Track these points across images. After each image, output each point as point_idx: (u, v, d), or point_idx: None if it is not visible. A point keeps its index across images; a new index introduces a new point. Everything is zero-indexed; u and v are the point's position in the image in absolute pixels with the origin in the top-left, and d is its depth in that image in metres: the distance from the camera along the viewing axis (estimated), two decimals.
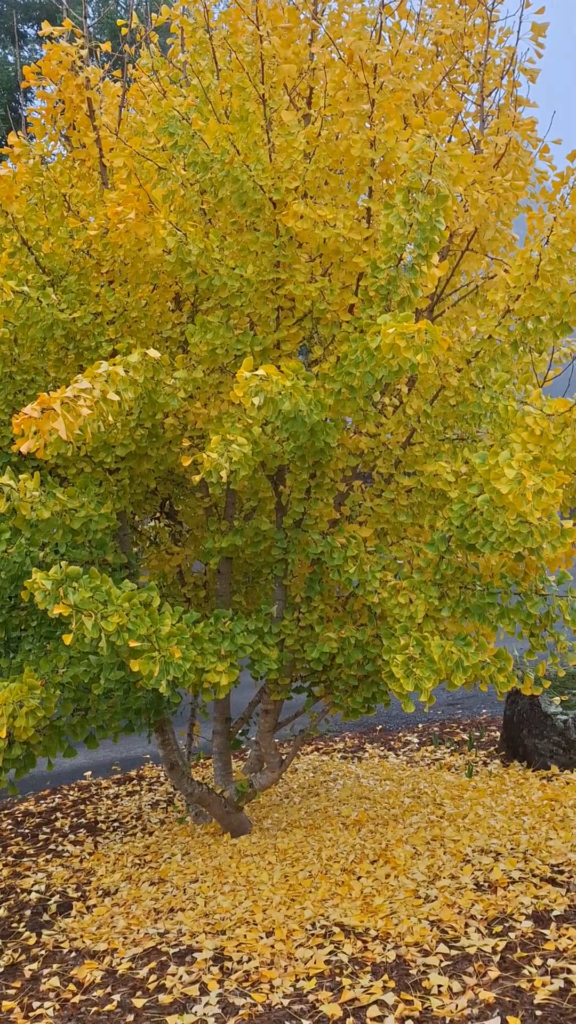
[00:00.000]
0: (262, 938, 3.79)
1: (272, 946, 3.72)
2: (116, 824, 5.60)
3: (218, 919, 4.00)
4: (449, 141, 3.68)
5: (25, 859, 5.10)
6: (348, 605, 4.70)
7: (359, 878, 4.27)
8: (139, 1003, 3.39)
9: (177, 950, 3.77)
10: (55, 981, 3.62)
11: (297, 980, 3.46)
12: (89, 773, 7.02)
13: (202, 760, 6.77)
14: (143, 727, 4.66)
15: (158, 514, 5.89)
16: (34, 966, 3.79)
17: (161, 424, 4.33)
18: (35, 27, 16.80)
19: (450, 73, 4.31)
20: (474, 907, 3.87)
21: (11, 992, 3.60)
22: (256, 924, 3.91)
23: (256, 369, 3.72)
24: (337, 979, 3.43)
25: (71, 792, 6.44)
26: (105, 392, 3.48)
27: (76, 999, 3.49)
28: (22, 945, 4.01)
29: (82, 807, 6.03)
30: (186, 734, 5.65)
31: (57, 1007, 3.45)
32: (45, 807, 6.10)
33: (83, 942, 3.97)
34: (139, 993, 3.48)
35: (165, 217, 3.75)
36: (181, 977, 3.55)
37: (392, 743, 7.03)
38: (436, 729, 7.36)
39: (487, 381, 4.18)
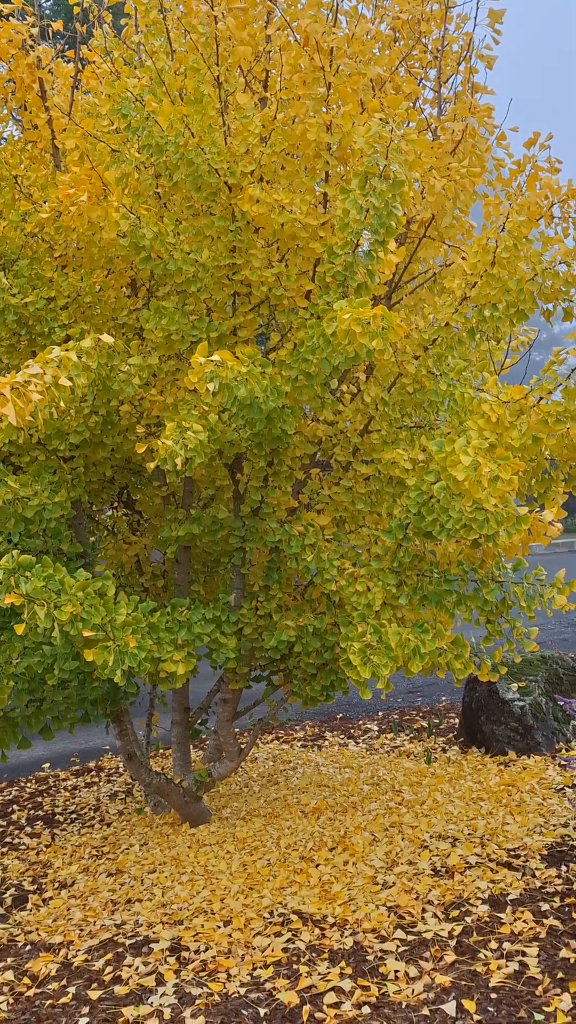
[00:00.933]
0: (220, 927, 3.77)
1: (230, 935, 3.70)
2: (74, 816, 5.55)
3: (176, 909, 3.98)
4: (407, 127, 3.66)
5: None
6: (307, 593, 4.68)
7: (317, 865, 4.27)
8: (95, 995, 3.36)
9: (134, 941, 3.75)
10: (9, 975, 3.58)
11: (254, 968, 3.45)
12: (47, 765, 6.95)
13: (161, 750, 6.73)
14: (100, 718, 4.61)
15: (116, 503, 5.84)
16: None
17: (116, 411, 4.27)
18: None
19: (407, 59, 4.28)
20: (431, 892, 3.89)
21: None
22: (214, 913, 3.90)
23: (211, 355, 3.68)
24: (295, 967, 3.43)
25: (28, 784, 6.37)
26: (57, 377, 3.42)
27: (30, 992, 3.45)
28: None
29: (39, 799, 5.96)
30: (145, 724, 5.61)
31: (11, 1001, 3.40)
32: (1, 800, 6.03)
33: (39, 935, 3.93)
34: (95, 985, 3.45)
35: (118, 200, 3.68)
36: (137, 968, 3.52)
37: (352, 731, 7.05)
38: (396, 717, 7.40)
39: (444, 369, 4.18)
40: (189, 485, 4.84)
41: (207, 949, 3.62)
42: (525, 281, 4.06)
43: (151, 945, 3.68)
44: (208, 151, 3.81)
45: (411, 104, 4.41)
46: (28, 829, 5.36)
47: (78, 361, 3.62)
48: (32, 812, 5.69)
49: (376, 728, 7.06)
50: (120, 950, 3.69)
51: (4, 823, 5.52)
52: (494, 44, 4.49)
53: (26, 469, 4.31)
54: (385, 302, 4.79)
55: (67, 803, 5.82)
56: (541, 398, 3.92)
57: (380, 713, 7.67)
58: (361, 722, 7.35)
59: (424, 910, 3.76)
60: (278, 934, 3.68)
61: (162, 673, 4.07)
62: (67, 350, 3.63)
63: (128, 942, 3.74)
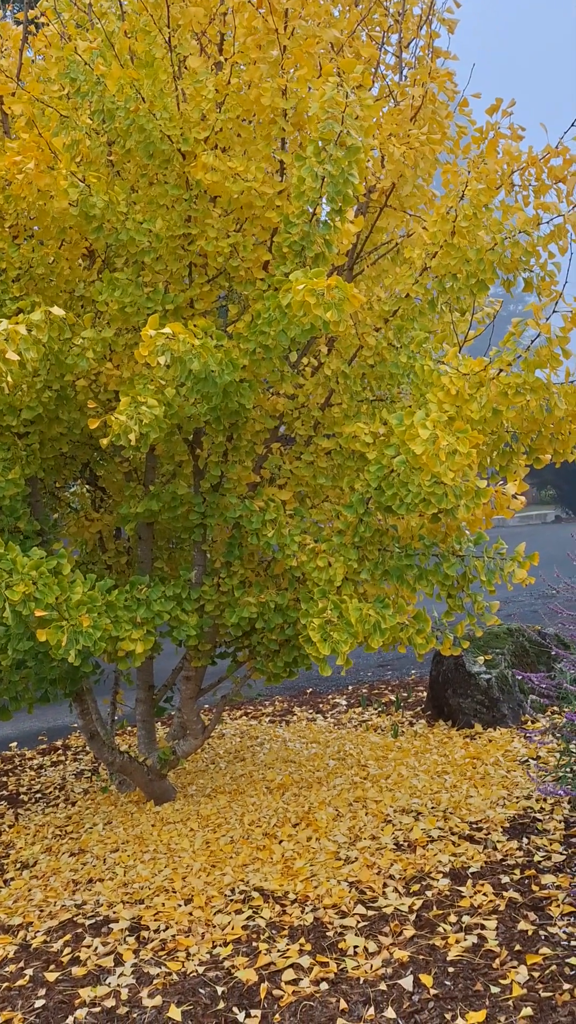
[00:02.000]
0: (180, 906, 3.75)
1: (191, 913, 3.68)
2: (39, 795, 5.51)
3: (137, 888, 3.95)
4: (368, 93, 3.56)
5: None
6: (269, 569, 4.64)
7: (281, 842, 4.26)
8: (51, 977, 3.33)
9: (93, 921, 3.72)
10: None
11: (214, 947, 3.43)
12: (15, 744, 6.90)
13: (128, 728, 6.69)
14: (60, 698, 4.56)
15: (79, 479, 5.75)
16: None
17: (72, 386, 4.18)
18: None
19: (367, 22, 4.18)
20: (393, 867, 3.89)
21: None
22: (175, 892, 3.88)
23: (164, 328, 3.60)
24: (254, 944, 3.41)
25: None
26: (3, 352, 3.32)
27: None
28: None
29: (4, 779, 5.91)
30: (109, 702, 5.56)
31: None
32: None
33: None
34: (52, 967, 3.42)
35: (67, 168, 3.57)
36: (96, 949, 3.50)
37: (321, 706, 7.04)
38: (365, 691, 7.40)
39: (405, 341, 4.11)
40: (151, 461, 4.77)
41: (167, 928, 3.60)
42: (485, 251, 3.99)
43: (111, 925, 3.66)
44: (160, 117, 3.70)
45: (372, 70, 4.31)
46: None
47: (28, 335, 3.52)
48: None
49: (344, 702, 7.06)
50: (79, 931, 3.66)
51: None
52: (456, 7, 4.40)
53: None
54: (347, 273, 4.71)
55: (32, 782, 5.77)
56: (501, 370, 3.87)
57: (350, 687, 7.68)
58: (331, 696, 7.35)
59: (385, 885, 3.76)
60: (239, 911, 3.66)
61: (120, 652, 4.02)
62: (16, 323, 3.53)
63: (88, 922, 3.72)
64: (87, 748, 6.52)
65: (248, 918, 3.61)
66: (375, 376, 4.29)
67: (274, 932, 3.49)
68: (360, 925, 3.47)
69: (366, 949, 3.31)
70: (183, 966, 3.32)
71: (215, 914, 3.66)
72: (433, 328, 4.22)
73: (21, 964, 3.47)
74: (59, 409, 4.24)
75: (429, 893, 3.64)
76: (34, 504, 4.53)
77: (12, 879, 4.29)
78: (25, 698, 4.25)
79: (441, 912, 3.49)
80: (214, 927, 3.57)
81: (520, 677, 4.82)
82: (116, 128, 3.72)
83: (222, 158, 3.75)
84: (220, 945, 3.44)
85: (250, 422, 4.31)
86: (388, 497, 3.83)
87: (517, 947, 3.19)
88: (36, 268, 4.09)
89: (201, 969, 3.28)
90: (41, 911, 3.89)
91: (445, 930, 3.36)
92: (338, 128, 3.45)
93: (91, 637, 3.59)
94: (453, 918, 3.44)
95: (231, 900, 3.76)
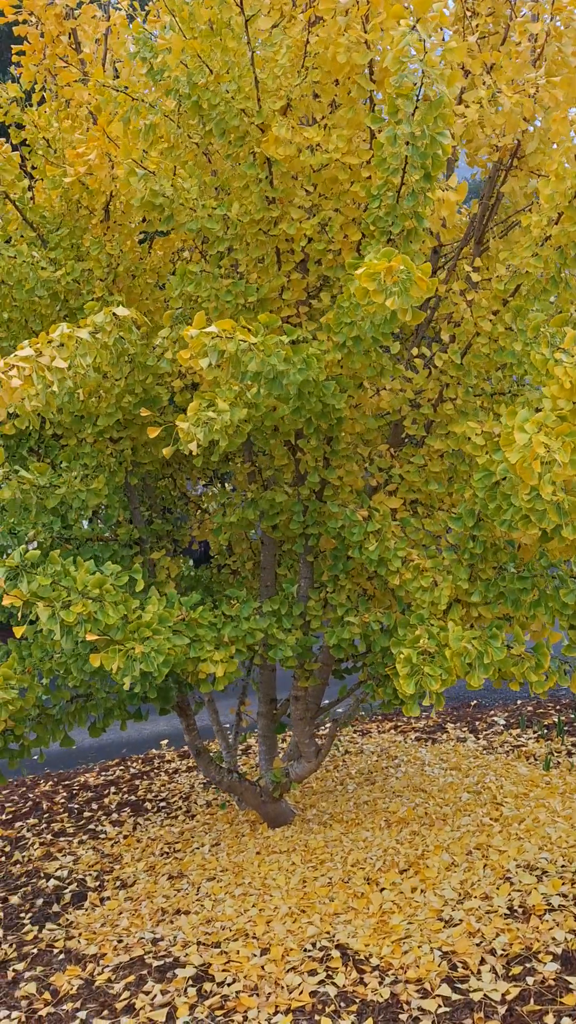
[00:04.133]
0: (255, 956, 3.43)
1: (262, 967, 3.36)
2: (162, 804, 5.39)
3: (218, 928, 3.68)
4: (460, 37, 3.00)
5: (62, 839, 4.97)
6: (379, 585, 4.19)
7: (382, 890, 3.83)
8: None
9: (162, 963, 3.48)
10: (32, 987, 3.42)
11: (275, 1013, 3.08)
12: (165, 742, 6.87)
13: (248, 741, 6.45)
14: (164, 712, 4.37)
15: (212, 480, 5.54)
16: (20, 966, 3.60)
17: (157, 387, 3.93)
18: None
19: None
20: (498, 938, 3.35)
21: None
22: (254, 938, 3.57)
23: (246, 323, 3.24)
24: (316, 1017, 3.03)
25: (135, 764, 6.30)
26: (52, 359, 3.11)
27: (44, 1011, 3.27)
28: (20, 939, 3.85)
29: (137, 782, 5.86)
30: (235, 712, 5.33)
31: (22, 1019, 3.24)
32: (103, 780, 5.98)
33: (78, 942, 3.76)
34: (106, 1012, 3.21)
35: (124, 155, 3.30)
36: (154, 998, 3.26)
37: (477, 723, 6.45)
38: (530, 709, 6.71)
39: (522, 325, 3.51)
40: (254, 465, 4.44)
41: (233, 982, 3.29)
42: None
43: (177, 971, 3.40)
44: (229, 90, 3.34)
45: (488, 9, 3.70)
46: (115, 816, 5.26)
47: (89, 339, 3.29)
48: (125, 796, 5.59)
49: (503, 722, 6.42)
50: (145, 972, 3.44)
51: (95, 807, 5.45)
52: None
53: (58, 456, 4.07)
54: (475, 247, 4.13)
55: (161, 789, 5.67)
56: None
57: (519, 702, 7.01)
58: (492, 712, 6.73)
59: (483, 961, 3.24)
60: (313, 972, 3.29)
61: (201, 674, 3.73)
62: (79, 328, 3.32)
63: (156, 963, 3.49)
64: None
65: (320, 982, 3.23)
66: (492, 366, 3.70)
67: (342, 1006, 3.08)
68: (440, 1011, 2.99)
69: None
70: None
71: (287, 971, 3.31)
72: (550, 309, 3.57)
73: (78, 1004, 3.29)
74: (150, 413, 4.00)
75: (530, 980, 3.09)
76: (133, 511, 4.35)
77: (108, 898, 4.16)
78: (115, 715, 4.08)
79: (538, 1008, 2.93)
80: (282, 988, 3.22)
81: None
82: (184, 107, 3.40)
83: (297, 129, 3.33)
84: (282, 1012, 3.08)
85: (347, 422, 3.87)
86: (492, 510, 3.27)
87: None
88: (118, 265, 3.87)
89: None
90: (119, 942, 3.71)
91: None
92: (415, 80, 2.92)
93: (152, 662, 3.32)
94: (551, 1020, 2.87)
95: (309, 956, 3.39)
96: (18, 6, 3.90)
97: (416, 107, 2.96)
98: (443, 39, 3.96)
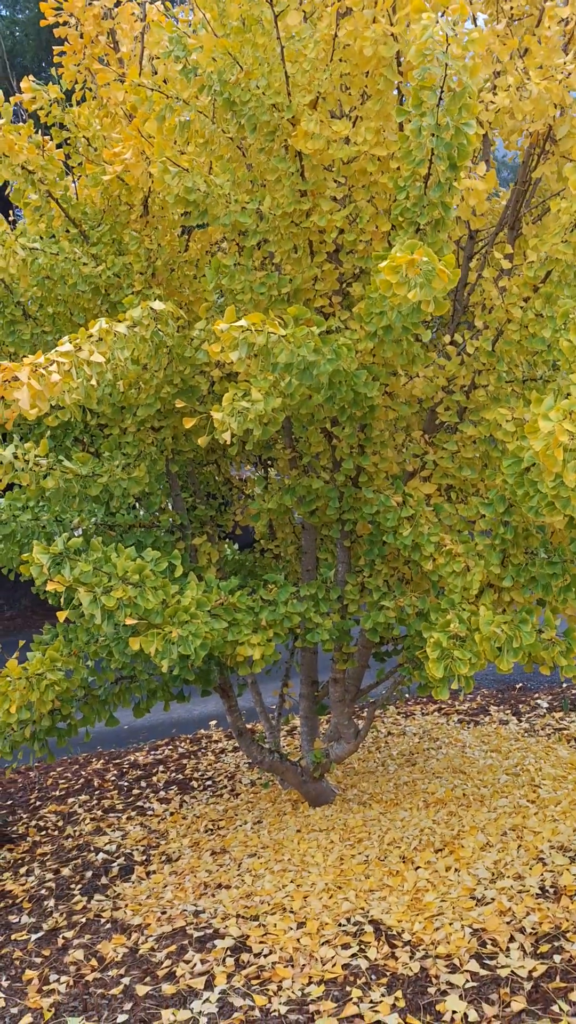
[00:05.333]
0: (291, 929, 3.55)
1: (298, 940, 3.48)
2: (208, 783, 5.54)
3: (256, 902, 3.80)
4: (484, 26, 3.03)
5: (111, 815, 5.15)
6: (414, 569, 4.25)
7: (417, 868, 3.91)
8: (142, 991, 3.28)
9: (203, 934, 3.62)
10: (79, 954, 3.59)
11: (308, 984, 3.20)
12: (214, 722, 7.03)
13: (292, 721, 6.55)
14: (206, 693, 4.50)
15: (258, 463, 5.63)
16: (69, 934, 3.78)
17: (196, 377, 4.03)
18: None
19: None
20: (528, 917, 3.42)
21: (38, 961, 3.61)
22: (291, 912, 3.68)
23: (269, 315, 3.33)
24: (347, 989, 3.13)
25: (183, 744, 6.47)
26: (91, 354, 3.23)
27: (90, 976, 3.43)
28: (70, 909, 4.02)
29: (185, 761, 6.03)
30: (278, 694, 5.45)
31: (70, 983, 3.41)
32: (152, 759, 6.16)
33: (124, 912, 3.92)
34: (148, 979, 3.37)
35: (158, 153, 3.39)
36: (194, 966, 3.40)
37: (520, 706, 6.47)
38: (575, 693, 6.70)
39: (551, 312, 3.52)
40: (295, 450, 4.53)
41: (269, 953, 3.42)
42: None
43: (216, 941, 3.54)
44: (260, 86, 3.40)
45: None
46: (162, 793, 5.42)
47: (127, 333, 3.41)
48: (173, 775, 5.76)
49: (546, 705, 6.43)
50: (186, 942, 3.58)
51: (144, 785, 5.63)
52: None
53: (101, 445, 4.21)
54: (509, 233, 4.14)
55: (208, 768, 5.83)
56: None
57: (564, 685, 7.00)
58: (536, 695, 6.74)
59: (512, 939, 3.31)
60: (346, 946, 3.40)
61: (239, 657, 3.85)
62: (117, 322, 3.43)
63: (197, 934, 3.63)
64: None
65: (353, 955, 3.33)
66: (524, 353, 3.73)
67: (373, 978, 3.18)
68: (468, 985, 3.07)
69: (465, 1017, 2.91)
70: (269, 1002, 3.12)
71: (321, 944, 3.42)
72: None
73: (122, 971, 3.45)
74: (189, 403, 4.11)
75: (557, 958, 3.15)
76: (174, 498, 4.47)
77: (154, 871, 4.32)
78: (159, 696, 4.22)
79: (563, 985, 3.00)
80: (316, 960, 3.33)
81: None
82: (217, 104, 3.47)
83: (326, 123, 3.38)
84: (316, 983, 3.20)
85: (381, 410, 3.93)
86: (521, 497, 3.31)
87: None
88: (157, 259, 3.97)
89: (284, 1010, 3.07)
90: (163, 913, 3.86)
91: (560, 1010, 2.88)
92: (439, 72, 2.95)
93: (190, 645, 3.44)
94: (575, 996, 2.94)
95: (343, 931, 3.50)
96: (59, 8, 4.01)
97: (440, 98, 3.00)
98: (475, 23, 3.97)
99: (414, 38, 3.03)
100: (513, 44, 3.41)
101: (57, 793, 5.67)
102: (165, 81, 4.04)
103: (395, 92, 3.51)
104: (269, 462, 5.41)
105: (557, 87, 3.40)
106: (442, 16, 2.97)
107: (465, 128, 3.08)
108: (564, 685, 6.99)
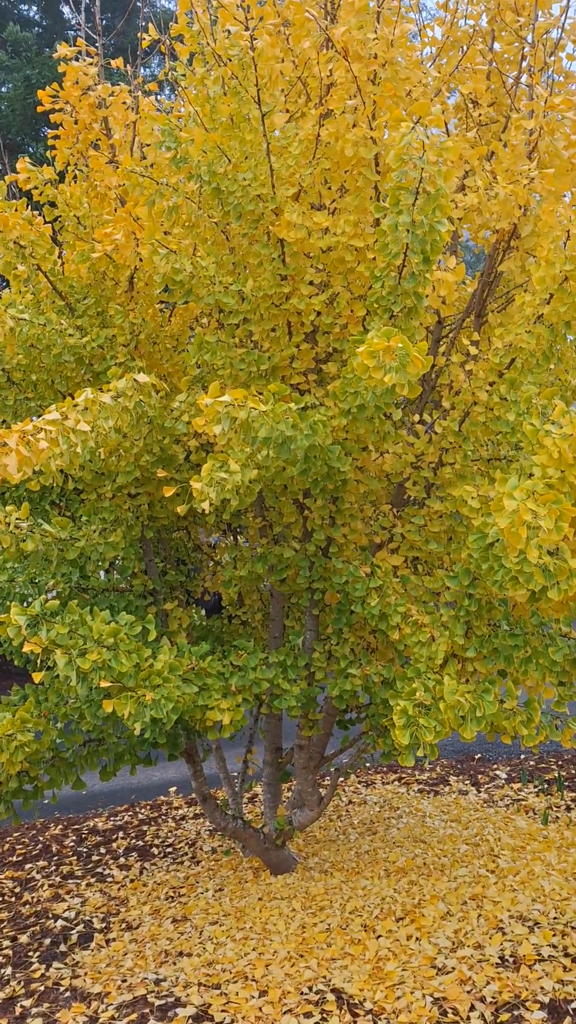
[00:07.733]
0: (253, 998, 3.55)
1: (260, 1009, 3.48)
2: (169, 849, 5.51)
3: (218, 970, 3.80)
4: (462, 134, 3.28)
5: (70, 881, 5.10)
6: (380, 639, 4.36)
7: (379, 937, 3.94)
8: None
9: (164, 1003, 3.61)
10: (38, 1023, 3.55)
11: None
12: (174, 789, 6.99)
13: (253, 789, 6.56)
14: (173, 758, 4.53)
15: (225, 532, 5.75)
16: (27, 1003, 3.73)
17: (174, 446, 4.17)
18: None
19: (468, 57, 3.88)
20: (488, 986, 3.46)
21: None
22: (254, 980, 3.68)
23: (252, 391, 3.49)
24: None
25: (143, 810, 6.43)
26: (77, 423, 3.36)
27: None
28: (28, 977, 3.97)
29: (145, 828, 5.99)
30: (242, 760, 5.48)
31: None
32: (112, 825, 6.11)
33: (84, 980, 3.88)
34: None
35: (148, 236, 3.58)
36: None
37: (479, 776, 6.55)
38: (532, 763, 6.80)
39: (516, 396, 3.73)
40: (266, 520, 4.66)
41: (232, 1022, 3.42)
42: None
43: (177, 1010, 3.53)
44: (246, 178, 3.63)
45: (471, 103, 4.00)
46: (122, 860, 5.38)
47: (112, 403, 3.54)
48: (133, 842, 5.72)
49: (505, 776, 6.52)
50: (147, 1011, 3.56)
51: (103, 851, 5.58)
52: None
53: (77, 511, 4.31)
54: (476, 321, 4.38)
55: (168, 835, 5.80)
56: None
57: (522, 756, 7.10)
58: (494, 766, 6.82)
59: (472, 1008, 3.35)
60: (308, 1014, 3.41)
61: (208, 722, 3.91)
62: (102, 392, 3.57)
63: (158, 1003, 3.61)
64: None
65: None
66: (488, 433, 3.93)
67: None
68: None
69: None
70: None
71: (284, 1013, 3.43)
72: (544, 380, 3.79)
73: None
74: (167, 471, 4.24)
75: None
76: (147, 563, 4.57)
77: (114, 939, 4.29)
78: (125, 759, 4.25)
79: None
80: None
81: None
82: (216, 188, 3.69)
83: (307, 214, 3.61)
84: None
85: (352, 483, 4.09)
86: (485, 571, 3.46)
87: None
88: (140, 333, 4.14)
89: None
90: (123, 981, 3.84)
91: None
92: (415, 175, 3.19)
93: (162, 709, 3.51)
94: None
95: (305, 999, 3.51)
96: (55, 95, 4.23)
97: (416, 199, 3.23)
98: (447, 131, 4.26)
99: (392, 142, 3.28)
100: (482, 151, 3.68)
101: (14, 859, 5.60)
102: (152, 166, 4.27)
103: (372, 188, 3.76)
104: (238, 529, 5.54)
105: (522, 190, 3.66)
106: (417, 123, 3.22)
107: (438, 226, 3.31)
108: (522, 756, 7.08)
